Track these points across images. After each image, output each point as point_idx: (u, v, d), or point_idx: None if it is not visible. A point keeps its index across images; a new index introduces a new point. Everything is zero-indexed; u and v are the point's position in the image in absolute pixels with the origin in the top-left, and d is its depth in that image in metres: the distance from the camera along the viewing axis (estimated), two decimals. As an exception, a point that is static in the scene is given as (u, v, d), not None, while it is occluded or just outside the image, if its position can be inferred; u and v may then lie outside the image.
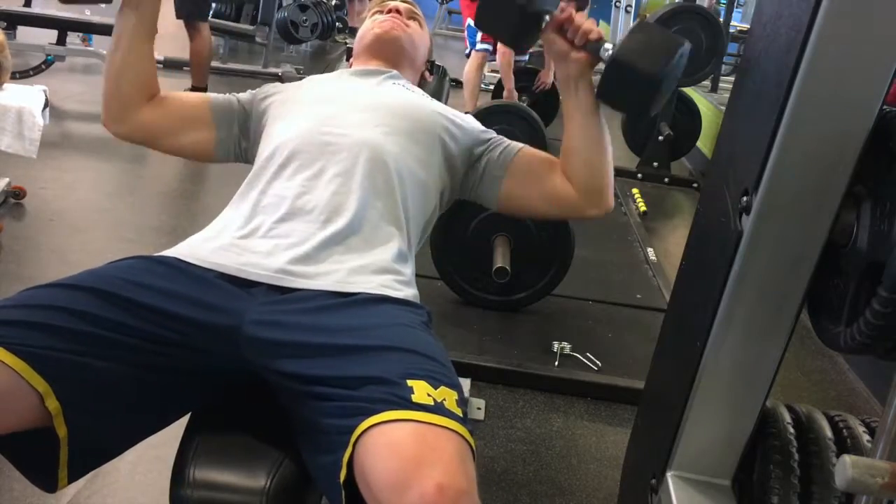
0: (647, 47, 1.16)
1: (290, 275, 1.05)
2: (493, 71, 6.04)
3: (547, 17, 1.21)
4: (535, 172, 1.33)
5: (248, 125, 1.37)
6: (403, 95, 1.37)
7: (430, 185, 1.29)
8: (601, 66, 1.21)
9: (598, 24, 1.26)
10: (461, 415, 0.86)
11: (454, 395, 0.88)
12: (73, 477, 0.93)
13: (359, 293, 1.04)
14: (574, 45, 1.21)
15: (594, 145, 1.28)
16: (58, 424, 0.88)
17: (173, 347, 0.96)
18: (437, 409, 0.84)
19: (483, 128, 1.40)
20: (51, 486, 0.93)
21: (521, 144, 1.37)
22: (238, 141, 1.37)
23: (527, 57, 5.16)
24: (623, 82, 1.17)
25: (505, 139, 1.38)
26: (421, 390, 0.85)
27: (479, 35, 4.99)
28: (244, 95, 1.41)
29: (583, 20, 1.21)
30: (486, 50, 4.96)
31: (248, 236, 1.12)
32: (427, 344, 0.97)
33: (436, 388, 0.86)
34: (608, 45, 1.19)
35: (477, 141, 1.36)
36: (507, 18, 1.21)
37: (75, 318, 0.92)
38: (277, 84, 1.44)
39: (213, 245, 1.10)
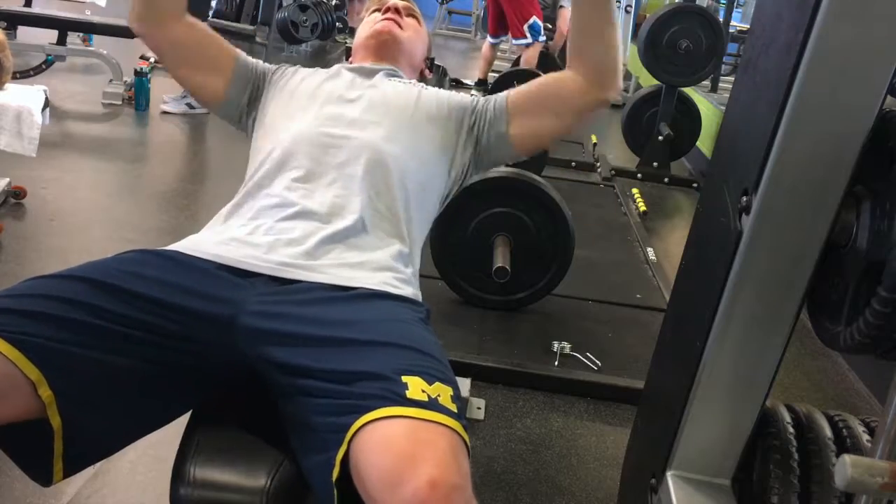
0: None
1: (291, 266, 1.06)
2: (494, 71, 6.07)
3: None
4: (534, 101, 1.35)
5: (257, 98, 1.39)
6: (402, 91, 1.37)
7: (433, 182, 1.30)
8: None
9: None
10: (456, 411, 0.86)
11: (449, 391, 0.88)
12: (70, 470, 0.93)
13: (358, 288, 1.05)
14: None
15: (607, 22, 1.29)
16: (51, 414, 0.88)
17: (171, 339, 0.96)
18: (431, 404, 0.84)
19: (472, 98, 1.41)
20: (46, 478, 0.92)
21: (506, 92, 1.38)
22: (243, 111, 1.40)
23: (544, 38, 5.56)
24: None
25: (490, 97, 1.39)
26: (415, 386, 0.86)
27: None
28: (266, 66, 1.43)
29: None
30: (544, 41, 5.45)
31: (250, 233, 1.12)
32: (423, 340, 0.97)
33: (430, 385, 0.87)
34: None
35: (469, 114, 1.37)
36: None
37: (72, 308, 0.92)
38: (289, 67, 1.46)
39: (214, 240, 1.11)
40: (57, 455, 0.91)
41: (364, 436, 0.82)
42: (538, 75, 4.79)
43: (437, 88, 1.43)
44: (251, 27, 6.26)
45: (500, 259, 2.32)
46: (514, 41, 5.75)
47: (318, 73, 1.42)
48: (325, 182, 1.18)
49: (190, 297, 0.98)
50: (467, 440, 0.85)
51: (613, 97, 1.35)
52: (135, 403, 0.97)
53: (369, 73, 1.42)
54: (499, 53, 7.78)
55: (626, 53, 5.15)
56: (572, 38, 1.34)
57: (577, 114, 1.35)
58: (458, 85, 6.05)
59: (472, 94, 1.42)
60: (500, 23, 5.62)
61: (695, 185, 4.41)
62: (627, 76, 6.30)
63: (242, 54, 1.41)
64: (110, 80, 4.56)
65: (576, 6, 1.31)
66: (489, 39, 5.88)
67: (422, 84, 1.44)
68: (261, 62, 1.44)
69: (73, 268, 0.99)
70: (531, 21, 5.38)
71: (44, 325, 0.89)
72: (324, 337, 0.95)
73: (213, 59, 1.37)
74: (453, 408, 0.86)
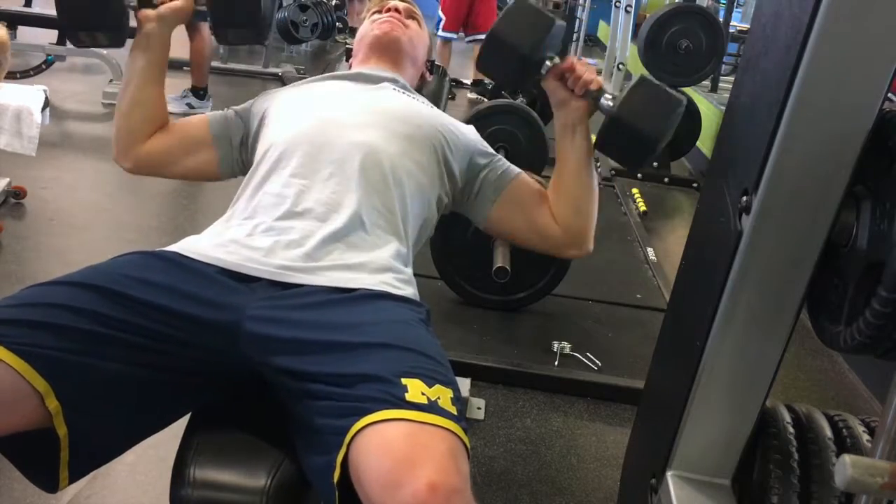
0: (648, 108, 1.19)
1: (291, 270, 1.06)
2: (492, 71, 6.05)
3: (548, 63, 1.23)
4: (526, 203, 1.36)
5: (246, 135, 1.38)
6: (403, 101, 1.37)
7: (428, 189, 1.29)
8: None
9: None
10: (455, 413, 0.86)
11: (449, 394, 0.88)
12: (75, 477, 0.93)
13: (358, 289, 1.05)
14: (574, 94, 1.24)
15: (584, 191, 1.32)
16: (58, 424, 0.88)
17: (174, 345, 0.96)
18: (431, 407, 0.84)
19: (483, 142, 1.42)
20: (52, 486, 0.93)
21: (518, 170, 1.39)
22: (239, 154, 1.39)
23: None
24: (623, 140, 1.21)
25: (504, 161, 1.40)
26: (415, 389, 0.86)
27: (443, 23, 5.39)
28: (242, 106, 1.42)
29: (584, 70, 1.24)
30: (448, 38, 5.40)
31: (249, 234, 1.12)
32: (424, 341, 0.97)
33: (430, 387, 0.87)
34: (608, 95, 1.22)
35: (477, 155, 1.37)
36: (509, 65, 1.23)
37: (76, 316, 0.92)
38: (275, 91, 1.44)
39: (214, 242, 1.11)
40: (63, 463, 0.91)
41: (363, 438, 0.82)
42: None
43: (445, 114, 1.44)
44: (251, 27, 6.25)
45: (500, 259, 2.32)
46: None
47: (315, 81, 1.43)
48: (322, 178, 1.18)
49: (193, 303, 0.98)
50: (467, 443, 0.85)
51: (578, 256, 1.38)
52: (137, 409, 0.97)
53: (371, 80, 1.42)
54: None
55: (626, 53, 5.15)
56: (550, 194, 1.36)
57: (543, 248, 1.41)
58: (457, 85, 6.05)
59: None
60: (463, 19, 5.55)
61: (695, 185, 4.40)
62: (627, 76, 6.30)
63: (212, 116, 1.40)
64: (110, 80, 4.56)
65: (557, 168, 1.33)
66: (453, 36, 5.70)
67: (429, 103, 1.44)
68: (234, 107, 1.42)
69: (74, 273, 0.99)
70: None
71: (49, 335, 0.89)
72: (325, 341, 0.95)
73: (190, 142, 1.38)
74: (453, 410, 0.86)
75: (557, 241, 1.35)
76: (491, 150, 1.41)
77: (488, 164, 1.37)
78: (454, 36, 5.60)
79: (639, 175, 4.33)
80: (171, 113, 1.41)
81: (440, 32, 5.49)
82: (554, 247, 1.38)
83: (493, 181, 1.36)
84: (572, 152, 1.30)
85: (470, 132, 1.40)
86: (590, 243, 1.36)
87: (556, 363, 2.24)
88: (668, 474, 1.06)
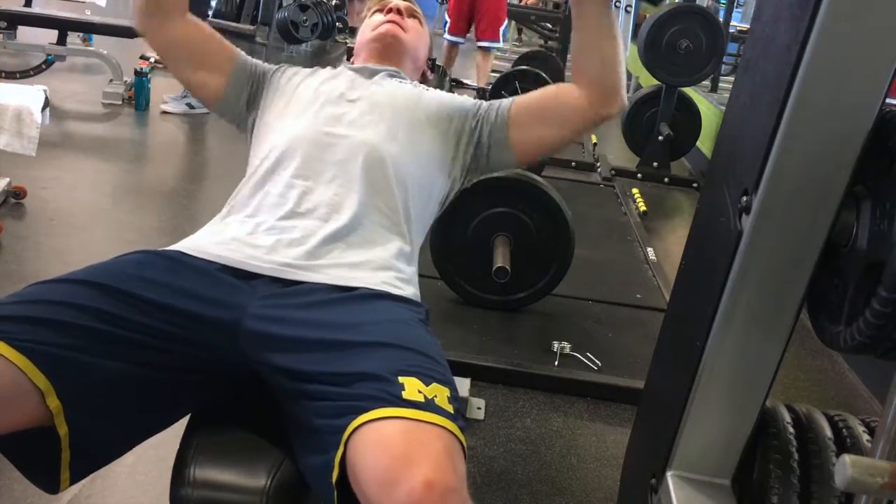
0: None
1: (292, 268, 1.06)
2: (494, 71, 6.07)
3: None
4: (536, 111, 1.34)
5: (256, 98, 1.38)
6: (403, 91, 1.37)
7: (432, 183, 1.30)
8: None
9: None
10: (452, 411, 0.86)
11: (446, 392, 0.88)
12: (76, 478, 0.93)
13: (359, 288, 1.05)
14: None
15: (608, 39, 1.28)
16: (58, 423, 0.88)
17: (176, 343, 0.96)
18: (428, 405, 0.84)
19: (467, 103, 1.40)
20: (53, 487, 0.92)
21: (511, 98, 1.37)
22: (242, 111, 1.39)
23: (500, 43, 5.49)
24: None
25: (491, 102, 1.38)
26: (412, 387, 0.86)
27: (448, 26, 5.32)
28: (267, 66, 1.43)
29: None
30: (455, 42, 5.34)
31: (251, 233, 1.12)
32: (422, 340, 0.97)
33: (427, 385, 0.87)
34: None
35: (471, 121, 1.36)
36: None
37: (79, 313, 0.91)
38: (290, 68, 1.45)
39: (215, 240, 1.11)
40: (64, 464, 0.91)
41: (360, 436, 0.82)
42: (539, 75, 4.72)
43: (439, 91, 1.43)
44: (251, 27, 6.26)
45: (500, 259, 2.32)
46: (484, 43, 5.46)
47: (319, 74, 1.42)
48: (325, 180, 1.19)
49: (194, 301, 0.98)
50: (464, 441, 0.85)
51: (617, 113, 1.33)
52: (139, 408, 0.97)
53: (371, 74, 1.42)
54: (498, 53, 7.76)
55: (626, 53, 5.15)
56: (573, 53, 1.33)
57: (578, 128, 1.35)
58: (458, 85, 6.04)
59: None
60: (466, 22, 5.39)
61: (695, 185, 4.41)
62: (627, 76, 6.30)
63: (243, 55, 1.41)
64: (110, 80, 4.56)
65: (575, 20, 1.30)
66: (455, 39, 5.51)
67: (423, 86, 1.44)
68: (262, 63, 1.43)
69: (77, 271, 0.99)
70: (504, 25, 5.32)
71: (51, 332, 0.89)
72: (325, 340, 0.95)
73: (212, 57, 1.37)
74: (450, 409, 0.86)
75: (590, 109, 1.30)
76: (471, 101, 1.39)
77: (479, 117, 1.35)
78: (461, 40, 5.52)
79: (639, 175, 4.34)
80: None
81: (446, 35, 5.45)
82: (590, 117, 1.31)
83: (495, 123, 1.34)
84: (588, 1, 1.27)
85: (465, 101, 1.39)
86: (623, 96, 1.31)
87: (556, 363, 2.24)
88: (668, 474, 1.06)
